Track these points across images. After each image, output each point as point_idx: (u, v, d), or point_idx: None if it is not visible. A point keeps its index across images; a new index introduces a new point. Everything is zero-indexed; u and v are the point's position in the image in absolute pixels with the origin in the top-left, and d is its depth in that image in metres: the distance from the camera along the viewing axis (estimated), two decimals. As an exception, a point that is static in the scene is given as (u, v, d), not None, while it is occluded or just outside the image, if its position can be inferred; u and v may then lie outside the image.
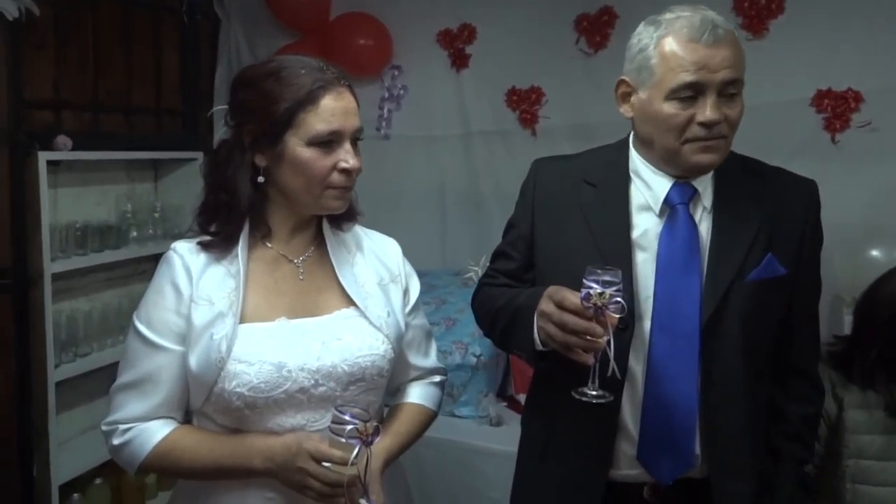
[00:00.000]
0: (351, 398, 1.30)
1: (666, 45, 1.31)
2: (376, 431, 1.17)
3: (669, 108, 1.32)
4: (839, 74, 2.46)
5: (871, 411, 1.73)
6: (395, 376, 1.46)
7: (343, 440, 1.15)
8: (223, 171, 1.31)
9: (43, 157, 2.39)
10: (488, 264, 1.63)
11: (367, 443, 1.16)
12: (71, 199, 2.69)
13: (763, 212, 1.41)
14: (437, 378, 1.53)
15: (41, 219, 2.38)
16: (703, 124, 1.31)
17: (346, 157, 1.27)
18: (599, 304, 1.21)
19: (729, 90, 1.32)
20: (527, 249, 1.53)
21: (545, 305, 1.28)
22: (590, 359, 1.25)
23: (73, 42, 2.67)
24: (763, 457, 1.45)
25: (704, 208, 1.42)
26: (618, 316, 1.22)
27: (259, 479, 1.26)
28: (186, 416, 1.34)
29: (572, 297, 1.23)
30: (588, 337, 1.22)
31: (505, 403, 2.63)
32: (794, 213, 1.44)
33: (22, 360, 2.43)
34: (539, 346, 1.33)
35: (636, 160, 1.45)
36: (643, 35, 1.36)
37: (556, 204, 1.50)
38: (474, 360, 2.44)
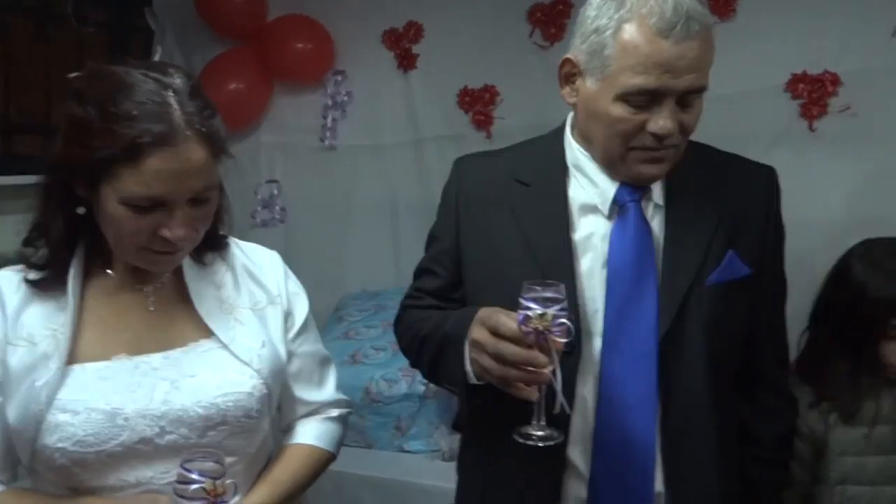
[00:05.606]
0: (212, 445, 1.07)
1: (626, 34, 1.08)
2: (232, 489, 0.99)
3: (619, 110, 1.10)
4: (814, 57, 2.23)
5: (861, 429, 1.48)
6: (283, 414, 1.26)
7: (187, 502, 0.95)
8: (44, 192, 1.09)
9: (-62, 184, 2.15)
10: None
11: None
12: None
13: (720, 204, 1.20)
14: (335, 412, 1.31)
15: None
16: (655, 135, 1.10)
17: (172, 224, 1.03)
18: (541, 327, 0.99)
19: (690, 98, 1.10)
20: (452, 264, 1.31)
21: (478, 333, 1.07)
22: (533, 393, 1.04)
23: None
24: (733, 482, 1.24)
25: (656, 205, 1.21)
26: (564, 340, 1.00)
27: None
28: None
29: (509, 322, 1.02)
30: (530, 368, 1.01)
31: (459, 435, 2.36)
32: (754, 204, 1.23)
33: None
34: (473, 380, 1.11)
35: (577, 152, 1.24)
36: (602, 11, 1.11)
37: (483, 209, 1.28)
38: (423, 388, 2.16)
